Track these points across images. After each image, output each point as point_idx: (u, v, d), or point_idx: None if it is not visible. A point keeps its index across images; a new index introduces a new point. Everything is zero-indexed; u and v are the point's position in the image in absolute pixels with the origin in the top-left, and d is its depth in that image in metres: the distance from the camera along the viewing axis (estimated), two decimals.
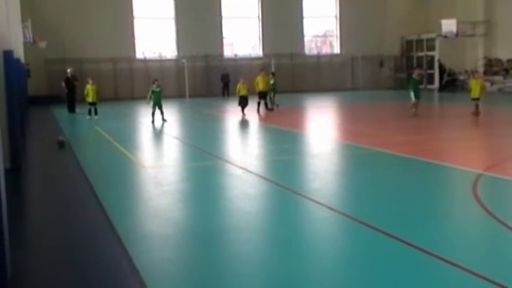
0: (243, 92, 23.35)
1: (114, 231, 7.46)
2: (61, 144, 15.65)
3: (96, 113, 23.57)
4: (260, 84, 24.32)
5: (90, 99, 23.78)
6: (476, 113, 20.41)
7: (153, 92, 21.57)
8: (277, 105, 25.74)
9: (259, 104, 24.14)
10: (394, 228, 7.15)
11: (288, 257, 6.43)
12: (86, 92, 24.06)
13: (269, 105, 25.10)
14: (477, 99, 20.70)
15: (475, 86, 20.99)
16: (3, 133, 10.91)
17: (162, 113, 21.45)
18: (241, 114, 23.11)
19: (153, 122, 21.25)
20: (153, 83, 21.85)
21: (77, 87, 27.40)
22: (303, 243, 6.97)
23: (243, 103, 23.29)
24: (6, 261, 5.62)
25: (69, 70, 28.05)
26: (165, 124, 20.99)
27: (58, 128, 20.07)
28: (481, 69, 38.37)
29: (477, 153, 13.78)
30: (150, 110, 21.52)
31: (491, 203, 8.36)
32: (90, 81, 24.24)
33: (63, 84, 27.45)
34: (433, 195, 9.34)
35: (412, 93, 21.41)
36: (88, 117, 23.46)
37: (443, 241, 6.86)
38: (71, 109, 26.88)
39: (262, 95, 24.45)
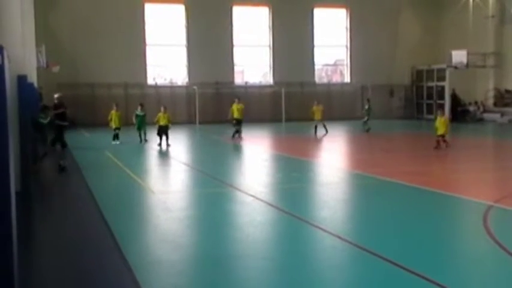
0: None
1: (122, 256, 7.47)
2: (62, 169, 15.55)
3: (117, 138, 23.66)
4: (161, 119, 22.71)
5: (113, 124, 23.77)
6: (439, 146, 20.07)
7: (136, 115, 23.74)
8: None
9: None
10: (402, 258, 7.10)
11: (295, 285, 6.39)
12: (109, 117, 23.98)
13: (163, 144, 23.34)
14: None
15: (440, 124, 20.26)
16: (15, 156, 10.99)
17: (144, 133, 23.73)
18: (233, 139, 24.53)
19: (141, 141, 23.51)
20: (141, 106, 24.00)
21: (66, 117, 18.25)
22: (310, 271, 6.93)
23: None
24: (15, 285, 5.63)
25: (56, 95, 18.75)
26: (172, 149, 21.43)
27: (69, 153, 20.15)
28: (491, 101, 38.44)
29: (487, 184, 13.69)
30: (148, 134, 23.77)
31: (502, 235, 8.30)
32: (115, 107, 24.10)
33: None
34: (443, 226, 9.28)
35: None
36: (113, 142, 23.45)
37: (453, 272, 6.81)
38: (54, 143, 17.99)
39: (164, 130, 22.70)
